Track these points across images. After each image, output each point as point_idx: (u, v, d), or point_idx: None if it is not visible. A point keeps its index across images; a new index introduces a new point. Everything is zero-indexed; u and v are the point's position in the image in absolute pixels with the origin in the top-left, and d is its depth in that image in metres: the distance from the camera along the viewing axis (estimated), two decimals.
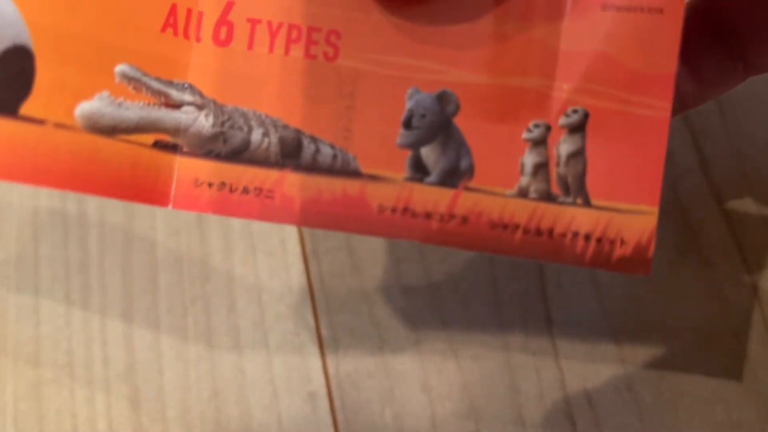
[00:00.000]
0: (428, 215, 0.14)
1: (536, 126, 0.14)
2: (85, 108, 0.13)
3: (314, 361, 0.22)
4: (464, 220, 0.14)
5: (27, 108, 0.13)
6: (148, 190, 0.14)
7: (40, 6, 0.13)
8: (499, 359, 0.21)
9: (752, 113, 0.22)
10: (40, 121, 0.13)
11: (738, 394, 0.20)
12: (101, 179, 0.14)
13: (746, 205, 0.21)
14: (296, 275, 0.22)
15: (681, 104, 0.15)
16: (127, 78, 0.14)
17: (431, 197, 0.14)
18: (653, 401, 0.21)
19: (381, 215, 0.14)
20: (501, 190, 0.14)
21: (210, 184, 0.14)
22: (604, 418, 0.21)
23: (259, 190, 0.14)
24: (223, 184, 0.14)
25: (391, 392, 0.21)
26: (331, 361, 0.22)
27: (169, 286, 0.23)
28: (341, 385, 0.21)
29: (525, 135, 0.14)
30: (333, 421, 0.21)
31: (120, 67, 0.14)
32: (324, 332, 0.22)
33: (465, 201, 0.14)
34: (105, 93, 0.14)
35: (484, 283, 0.22)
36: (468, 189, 0.14)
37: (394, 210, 0.14)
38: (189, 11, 0.14)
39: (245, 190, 0.14)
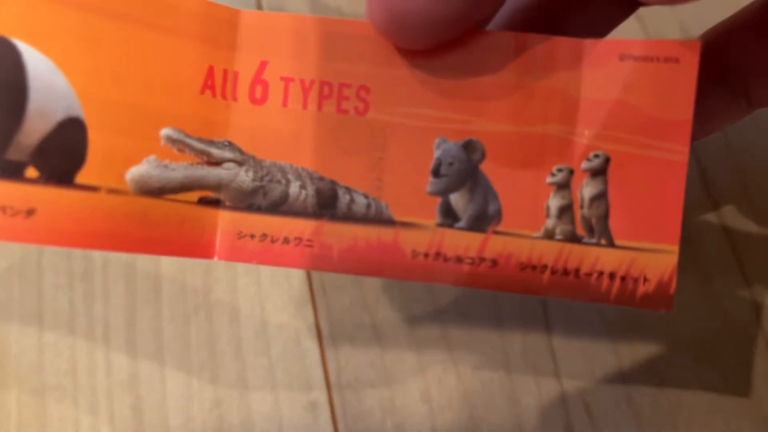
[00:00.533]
0: (459, 259, 0.15)
1: (559, 170, 0.15)
2: (134, 172, 0.14)
3: (316, 371, 0.22)
4: (494, 262, 0.15)
5: (82, 177, 0.13)
6: (194, 245, 0.15)
7: (88, 78, 0.13)
8: (499, 370, 0.21)
9: (753, 126, 0.22)
10: (95, 188, 0.14)
11: (737, 407, 0.20)
12: (152, 239, 0.14)
13: (746, 218, 0.21)
14: (297, 284, 0.23)
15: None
16: (171, 141, 0.14)
17: (462, 242, 0.15)
18: (652, 413, 0.21)
19: (414, 260, 0.15)
20: (528, 232, 0.15)
21: (252, 236, 0.15)
22: (603, 430, 0.21)
23: (298, 240, 0.15)
24: (264, 235, 0.15)
25: (392, 402, 0.21)
26: (332, 371, 0.22)
27: (171, 294, 0.23)
28: (342, 394, 0.21)
29: (549, 179, 0.15)
30: (334, 429, 0.21)
31: (164, 131, 0.14)
32: (326, 341, 0.22)
33: (494, 244, 0.15)
34: (152, 157, 0.14)
35: (485, 295, 0.22)
36: (496, 233, 0.15)
37: (426, 255, 0.15)
38: (225, 72, 0.15)
39: (285, 240, 0.15)
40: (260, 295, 0.23)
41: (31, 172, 0.13)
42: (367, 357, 0.22)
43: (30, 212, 0.13)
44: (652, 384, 0.21)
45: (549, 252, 0.15)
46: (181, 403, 0.22)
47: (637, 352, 0.21)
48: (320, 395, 0.22)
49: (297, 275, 0.23)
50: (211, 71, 0.15)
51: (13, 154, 0.13)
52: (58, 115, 0.13)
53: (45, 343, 0.22)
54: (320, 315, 0.22)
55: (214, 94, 0.15)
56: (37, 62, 0.13)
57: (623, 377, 0.21)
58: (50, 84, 0.13)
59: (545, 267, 0.15)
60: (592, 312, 0.22)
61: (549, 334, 0.22)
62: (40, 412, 0.22)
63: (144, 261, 0.23)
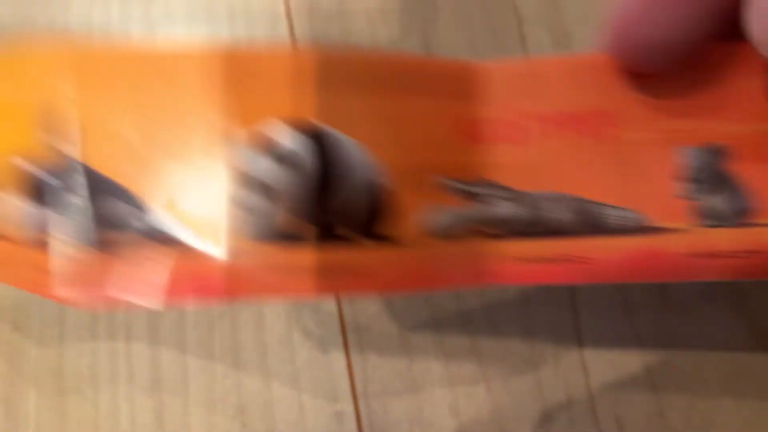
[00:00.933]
0: (723, 255, 0.16)
1: None
2: (423, 220, 0.16)
3: (342, 381, 0.21)
4: (759, 253, 0.16)
5: (384, 229, 0.16)
6: (482, 274, 0.16)
7: (381, 147, 0.16)
8: (529, 383, 0.21)
9: None
10: (394, 239, 0.16)
11: None
12: (447, 274, 0.16)
13: None
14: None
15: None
16: (446, 188, 0.16)
17: (724, 238, 0.16)
18: (684, 428, 0.20)
19: (680, 261, 0.16)
20: None
21: (529, 260, 0.16)
22: None
23: (570, 258, 0.16)
24: (540, 257, 0.16)
25: (419, 414, 0.21)
26: (359, 380, 0.21)
27: None
28: (369, 404, 0.21)
29: None
30: None
31: (441, 181, 0.16)
32: (352, 351, 0.22)
33: (756, 236, 0.16)
34: (434, 205, 0.16)
35: (515, 307, 0.22)
36: (756, 225, 0.16)
37: (691, 255, 0.16)
38: (478, 120, 0.17)
39: (558, 260, 0.16)
40: (286, 302, 0.22)
41: (341, 231, 0.15)
42: (394, 367, 0.21)
43: (351, 269, 0.15)
44: (684, 399, 0.21)
45: None
46: (203, 409, 0.21)
47: (669, 366, 0.21)
48: (346, 405, 0.21)
49: None
50: (467, 121, 0.17)
51: (330, 215, 0.15)
52: (360, 181, 0.16)
53: (65, 348, 0.22)
54: (347, 325, 0.22)
55: (473, 141, 0.17)
56: (346, 142, 0.15)
57: (655, 391, 0.21)
58: (351, 154, 0.16)
59: None
60: (624, 325, 0.21)
61: (580, 346, 0.21)
62: (59, 417, 0.21)
63: None
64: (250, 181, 0.15)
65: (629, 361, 0.21)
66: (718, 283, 0.21)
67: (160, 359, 0.22)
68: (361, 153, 0.16)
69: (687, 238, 0.16)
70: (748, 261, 0.16)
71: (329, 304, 0.22)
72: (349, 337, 0.22)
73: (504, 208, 0.16)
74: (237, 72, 0.15)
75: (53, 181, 0.14)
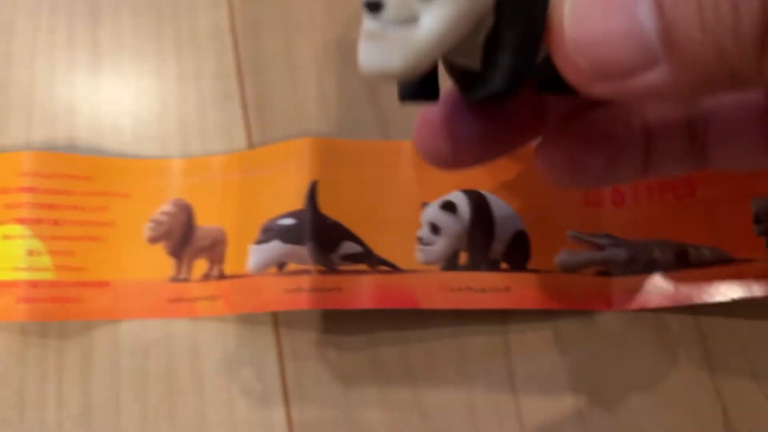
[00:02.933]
0: None
1: None
2: (559, 258, 0.22)
3: (278, 409, 0.21)
4: None
5: (531, 264, 0.22)
6: (596, 301, 0.22)
7: (524, 200, 0.22)
8: (463, 411, 0.21)
9: None
10: (538, 271, 0.22)
11: None
12: (572, 299, 0.22)
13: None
14: (262, 318, 0.22)
15: (619, 174, 0.17)
16: (575, 239, 0.22)
17: None
18: None
19: (757, 283, 0.21)
20: None
21: (634, 291, 0.22)
22: None
23: (664, 288, 0.22)
24: (642, 289, 0.22)
25: None
26: (295, 409, 0.21)
27: (129, 326, 0.22)
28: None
29: None
30: None
31: (570, 233, 0.22)
32: (289, 380, 0.22)
33: None
34: (565, 249, 0.22)
35: (450, 336, 0.22)
36: None
37: (764, 278, 0.21)
38: (596, 192, 0.23)
39: (654, 290, 0.22)
40: (222, 329, 0.22)
41: (503, 266, 0.22)
42: (330, 396, 0.22)
43: (506, 289, 0.21)
44: (612, 427, 0.21)
45: None
46: None
47: (597, 395, 0.21)
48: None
49: (263, 314, 0.22)
50: (587, 193, 0.23)
51: (493, 255, 0.22)
52: (511, 230, 0.22)
53: None
54: (284, 353, 0.22)
55: (591, 206, 0.23)
56: (494, 201, 0.22)
57: (583, 419, 0.21)
58: (506, 212, 0.22)
59: None
60: (555, 355, 0.22)
61: (512, 375, 0.22)
62: None
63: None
64: (426, 223, 0.22)
65: (559, 390, 0.21)
66: (641, 315, 0.22)
67: (91, 386, 0.22)
68: (509, 209, 0.22)
69: (758, 266, 0.21)
70: None
71: (267, 334, 0.22)
72: (286, 365, 0.22)
73: (612, 252, 0.22)
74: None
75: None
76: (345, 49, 0.26)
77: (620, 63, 0.12)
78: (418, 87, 0.14)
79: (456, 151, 0.16)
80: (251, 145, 0.24)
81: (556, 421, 0.21)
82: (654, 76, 0.12)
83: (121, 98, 0.25)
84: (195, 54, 0.26)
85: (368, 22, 0.12)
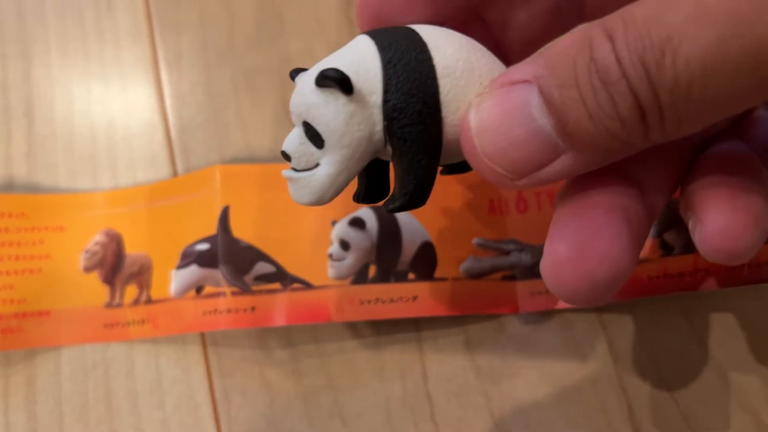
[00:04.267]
0: (681, 275, 0.21)
1: None
2: (464, 266, 0.23)
3: (208, 423, 0.23)
4: (707, 271, 0.21)
5: (437, 273, 0.23)
6: (503, 304, 0.23)
7: (432, 220, 0.23)
8: (381, 415, 0.22)
9: None
10: (445, 279, 0.23)
11: None
12: (479, 304, 0.23)
13: None
14: (191, 338, 0.24)
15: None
16: (481, 246, 0.23)
17: (679, 264, 0.21)
18: None
19: (650, 283, 0.22)
20: None
21: (540, 293, 0.23)
22: None
23: None
24: (548, 291, 0.22)
25: None
26: (224, 421, 0.23)
27: (70, 351, 0.24)
28: None
29: None
30: None
31: (475, 240, 0.23)
32: (217, 394, 0.23)
33: (703, 260, 0.20)
34: (471, 256, 0.23)
35: (368, 346, 0.23)
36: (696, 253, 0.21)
37: (658, 277, 0.21)
38: (500, 200, 0.24)
39: None
40: (155, 352, 0.24)
41: (411, 276, 0.23)
42: (257, 407, 0.23)
43: (414, 299, 0.22)
44: (520, 422, 0.22)
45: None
46: None
47: (505, 394, 0.22)
48: None
49: (193, 338, 0.23)
50: (492, 201, 0.24)
51: (401, 266, 0.23)
52: (418, 241, 0.23)
53: None
54: (212, 369, 0.23)
55: (495, 213, 0.24)
56: (400, 214, 0.23)
57: (493, 418, 0.22)
58: (411, 225, 0.23)
59: (743, 266, 0.21)
60: (465, 359, 0.23)
61: (425, 379, 0.23)
62: None
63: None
64: (336, 240, 0.23)
65: (470, 392, 0.22)
66: (549, 315, 0.23)
67: (35, 410, 0.23)
68: (416, 222, 0.23)
69: (652, 265, 0.22)
70: (697, 278, 0.21)
71: (196, 355, 0.23)
72: (214, 380, 0.23)
73: (517, 257, 0.23)
74: None
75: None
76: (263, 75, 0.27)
77: (530, 162, 0.13)
78: (366, 195, 0.16)
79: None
80: (175, 173, 0.26)
81: (468, 421, 0.22)
82: (562, 164, 0.13)
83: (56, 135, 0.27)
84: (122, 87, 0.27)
85: (286, 170, 0.15)
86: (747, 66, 0.11)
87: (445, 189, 0.23)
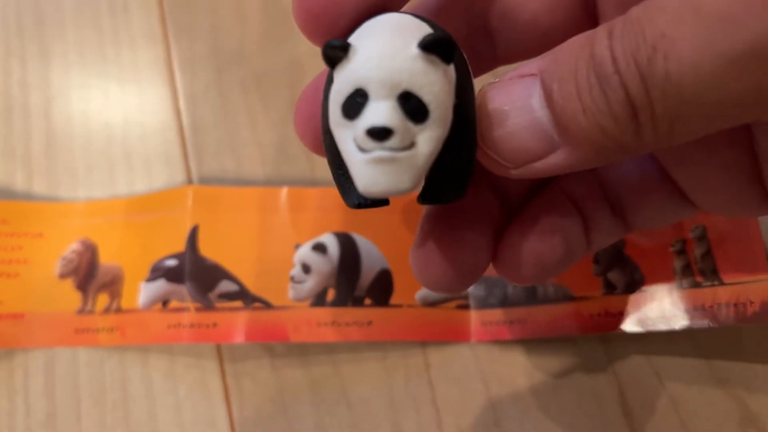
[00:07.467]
0: (622, 314, 0.22)
1: (677, 242, 0.22)
2: (419, 294, 0.24)
3: (220, 409, 0.23)
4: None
5: (393, 300, 0.24)
6: (458, 333, 0.24)
7: (386, 245, 0.24)
8: (384, 400, 0.23)
9: None
10: (400, 306, 0.24)
11: None
12: (433, 331, 0.24)
13: None
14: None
15: (573, 256, 0.17)
16: None
17: (621, 302, 0.22)
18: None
19: (591, 320, 0.22)
20: (665, 286, 0.22)
21: (491, 323, 0.23)
22: None
23: (517, 321, 0.23)
24: (499, 321, 0.23)
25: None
26: (236, 407, 0.23)
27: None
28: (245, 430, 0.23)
29: (671, 249, 0.22)
30: None
31: None
32: (229, 381, 0.24)
33: (643, 299, 0.22)
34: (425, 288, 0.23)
35: (374, 348, 0.24)
36: (643, 291, 0.22)
37: (599, 315, 0.22)
38: None
39: (508, 323, 0.23)
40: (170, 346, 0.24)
41: (367, 301, 0.24)
42: (267, 394, 0.23)
43: (369, 323, 0.23)
44: (517, 410, 0.23)
45: (687, 295, 0.21)
46: None
47: (503, 385, 0.23)
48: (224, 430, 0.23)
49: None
50: None
51: (359, 292, 0.24)
52: (377, 268, 0.24)
53: None
54: (225, 358, 0.24)
55: None
56: (362, 242, 0.24)
57: (492, 405, 0.23)
58: (371, 253, 0.24)
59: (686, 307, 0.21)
60: (463, 347, 0.24)
61: (428, 368, 0.24)
62: None
63: None
64: (298, 263, 0.24)
65: (469, 380, 0.23)
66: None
67: (54, 395, 0.24)
68: (375, 250, 0.24)
69: (594, 303, 0.22)
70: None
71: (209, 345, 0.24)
72: (226, 368, 0.24)
73: (474, 289, 0.24)
74: (298, 203, 0.24)
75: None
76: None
77: (526, 152, 0.14)
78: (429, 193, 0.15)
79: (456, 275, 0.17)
80: (188, 170, 0.27)
81: (467, 406, 0.23)
82: (557, 158, 0.13)
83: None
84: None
85: (377, 151, 0.12)
86: (738, 66, 0.11)
87: (405, 218, 0.24)
